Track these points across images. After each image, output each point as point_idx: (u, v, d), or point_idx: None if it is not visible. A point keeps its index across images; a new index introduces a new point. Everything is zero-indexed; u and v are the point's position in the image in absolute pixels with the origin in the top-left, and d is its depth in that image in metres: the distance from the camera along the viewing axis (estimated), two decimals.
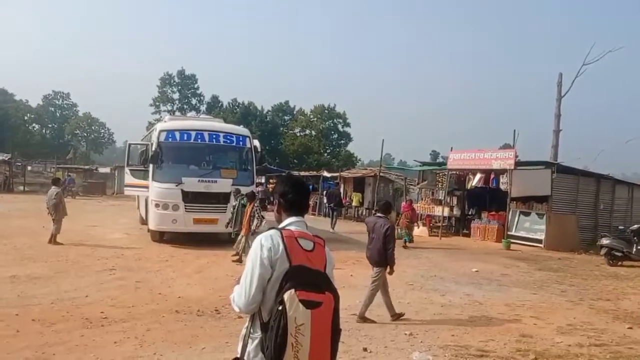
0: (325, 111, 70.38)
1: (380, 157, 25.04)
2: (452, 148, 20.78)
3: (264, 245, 2.46)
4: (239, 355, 2.51)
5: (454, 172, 21.07)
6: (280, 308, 2.28)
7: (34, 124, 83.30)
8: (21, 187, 36.82)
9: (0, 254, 11.12)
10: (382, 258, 7.31)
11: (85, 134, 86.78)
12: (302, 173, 35.43)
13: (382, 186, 26.14)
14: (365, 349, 5.97)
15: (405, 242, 16.10)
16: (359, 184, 28.28)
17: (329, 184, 29.11)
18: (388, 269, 7.34)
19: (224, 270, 10.78)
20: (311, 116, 71.05)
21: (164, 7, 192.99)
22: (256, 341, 2.43)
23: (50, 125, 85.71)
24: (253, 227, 11.36)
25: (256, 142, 15.51)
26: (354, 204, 27.59)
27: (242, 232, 11.62)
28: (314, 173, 34.64)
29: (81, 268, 10.20)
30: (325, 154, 69.38)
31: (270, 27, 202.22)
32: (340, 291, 2.45)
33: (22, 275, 9.07)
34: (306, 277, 2.37)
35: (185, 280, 9.59)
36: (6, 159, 36.62)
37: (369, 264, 7.62)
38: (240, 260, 11.38)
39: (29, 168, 46.32)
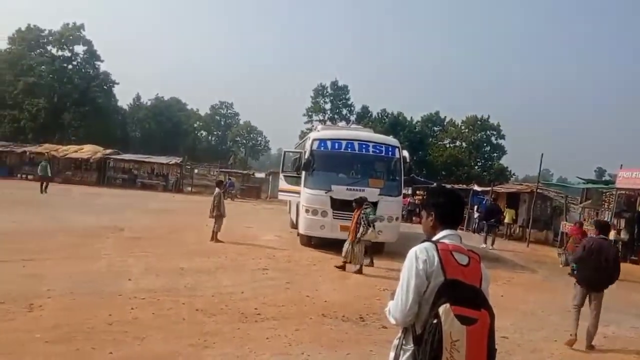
0: (478, 122, 67.98)
1: (539, 172, 23.45)
2: (621, 165, 18.80)
3: (419, 257, 2.45)
4: None
5: (623, 192, 19.03)
6: (435, 322, 2.26)
7: (202, 131, 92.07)
8: (189, 188, 40.63)
9: (172, 248, 12.36)
10: (609, 282, 7.11)
11: (245, 141, 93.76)
12: (451, 186, 34.53)
13: (539, 203, 24.47)
14: None
15: (573, 269, 14.36)
16: (512, 200, 26.77)
17: (479, 198, 27.95)
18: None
19: (368, 278, 10.88)
20: (462, 127, 69.11)
21: (319, 23, 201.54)
22: (408, 353, 2.43)
23: (215, 133, 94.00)
24: (359, 235, 11.28)
25: (405, 153, 15.42)
26: (506, 220, 26.17)
27: (349, 239, 11.49)
28: (464, 186, 33.56)
29: (238, 266, 10.98)
30: (476, 167, 66.95)
31: (420, 37, 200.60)
32: None
33: (189, 268, 10.01)
34: (461, 292, 2.33)
35: (330, 285, 9.85)
36: (178, 162, 40.78)
37: (584, 287, 7.26)
38: (342, 268, 11.31)
39: (196, 171, 50.83)
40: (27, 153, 39.38)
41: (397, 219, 14.33)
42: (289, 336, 6.32)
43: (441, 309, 2.26)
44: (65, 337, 5.60)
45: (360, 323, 7.32)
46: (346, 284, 10.19)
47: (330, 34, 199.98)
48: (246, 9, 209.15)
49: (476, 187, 30.20)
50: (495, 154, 69.15)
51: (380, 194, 13.78)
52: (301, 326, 6.83)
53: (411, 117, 70.76)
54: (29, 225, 13.92)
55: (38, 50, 58.32)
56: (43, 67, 56.52)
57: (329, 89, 74.48)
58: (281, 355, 5.64)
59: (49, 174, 27.43)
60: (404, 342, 2.49)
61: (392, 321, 2.52)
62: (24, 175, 37.58)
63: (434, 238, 2.62)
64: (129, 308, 6.90)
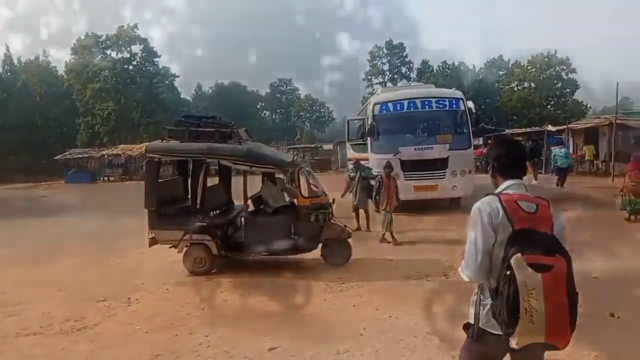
0: (545, 59, 64.39)
1: (616, 102, 22.10)
2: None
3: (482, 210, 2.46)
4: (471, 322, 2.57)
5: None
6: (507, 273, 2.28)
7: (264, 111, 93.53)
8: None
9: None
10: None
11: (308, 115, 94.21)
12: (518, 131, 33.27)
13: (620, 135, 23.08)
14: (612, 315, 5.52)
15: (629, 214, 11.48)
16: (591, 136, 25.46)
17: (556, 138, 26.77)
18: None
19: (448, 236, 10.70)
20: (529, 67, 65.80)
21: None
22: (487, 307, 2.46)
23: (278, 111, 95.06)
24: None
25: (470, 104, 14.95)
26: (587, 157, 24.96)
27: (387, 208, 10.60)
28: (537, 129, 32.21)
29: None
30: (549, 107, 63.70)
31: None
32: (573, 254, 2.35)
33: None
34: (532, 240, 2.32)
35: (410, 248, 9.87)
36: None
37: None
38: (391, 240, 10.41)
39: None
40: (105, 156, 41.73)
41: (470, 172, 14.02)
42: (375, 301, 6.44)
43: (513, 260, 2.26)
44: (164, 325, 5.99)
45: (445, 281, 7.32)
46: (424, 243, 10.16)
47: None
48: None
49: (550, 127, 28.92)
50: (567, 90, 65.42)
51: (450, 149, 13.54)
52: (386, 290, 6.92)
53: (473, 66, 68.29)
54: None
55: (99, 56, 60.69)
56: (106, 71, 58.81)
57: (384, 50, 73.02)
58: (370, 320, 5.75)
59: None
60: (481, 297, 2.52)
61: (466, 279, 2.54)
62: (105, 178, 39.92)
63: (497, 190, 2.62)
64: (218, 292, 7.28)
